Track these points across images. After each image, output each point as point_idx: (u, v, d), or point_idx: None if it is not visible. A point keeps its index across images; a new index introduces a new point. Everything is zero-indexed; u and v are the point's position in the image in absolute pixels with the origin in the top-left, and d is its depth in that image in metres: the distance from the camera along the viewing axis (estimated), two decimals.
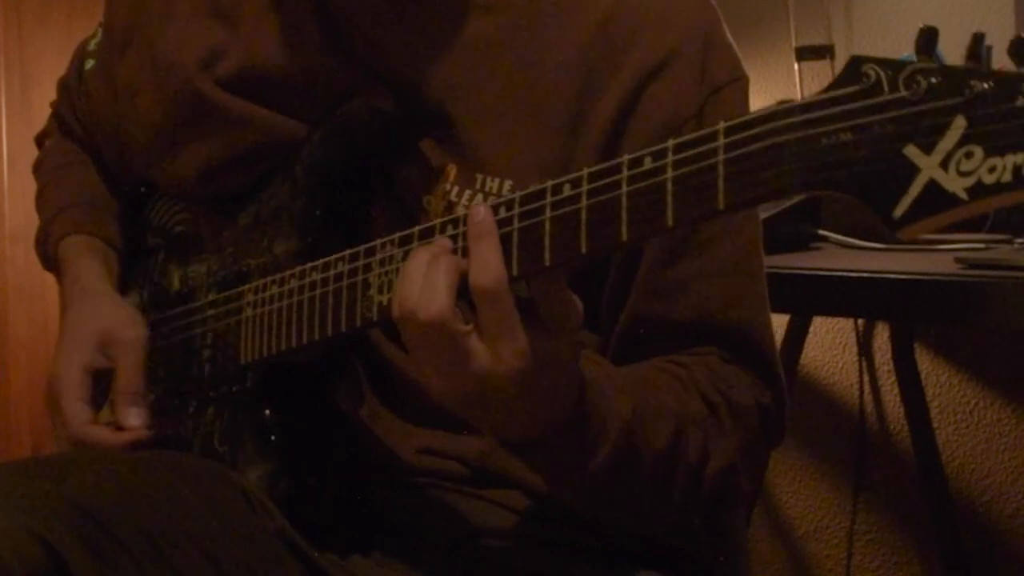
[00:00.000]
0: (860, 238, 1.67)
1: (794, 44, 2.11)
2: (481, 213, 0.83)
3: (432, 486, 1.06)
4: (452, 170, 1.02)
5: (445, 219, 0.87)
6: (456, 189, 1.02)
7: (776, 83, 2.21)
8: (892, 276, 1.38)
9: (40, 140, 1.40)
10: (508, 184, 1.01)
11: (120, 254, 1.25)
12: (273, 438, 1.04)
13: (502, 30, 1.04)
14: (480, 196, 1.01)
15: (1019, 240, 1.55)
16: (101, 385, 1.13)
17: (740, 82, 1.05)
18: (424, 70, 1.04)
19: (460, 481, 1.05)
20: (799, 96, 2.12)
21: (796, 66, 2.11)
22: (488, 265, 0.81)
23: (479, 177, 1.02)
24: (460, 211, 1.00)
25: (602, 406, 0.90)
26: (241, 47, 1.10)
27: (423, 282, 0.83)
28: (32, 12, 2.49)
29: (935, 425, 2.09)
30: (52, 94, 1.41)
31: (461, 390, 0.85)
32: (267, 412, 1.04)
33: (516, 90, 1.02)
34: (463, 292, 0.83)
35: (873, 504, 2.22)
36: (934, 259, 1.42)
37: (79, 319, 1.15)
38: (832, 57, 2.11)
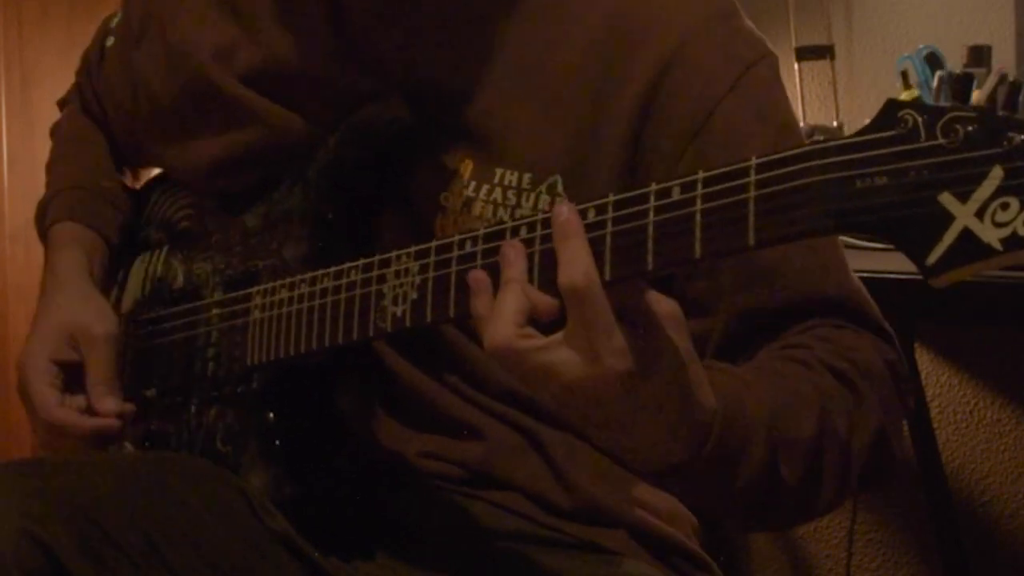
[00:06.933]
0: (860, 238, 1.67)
1: (794, 44, 2.11)
2: (564, 212, 0.79)
3: (434, 488, 1.06)
4: (468, 166, 1.02)
5: (491, 228, 0.84)
6: (474, 184, 1.01)
7: None
8: (892, 276, 1.38)
9: (62, 104, 1.41)
10: (528, 177, 1.00)
11: (112, 247, 1.25)
12: (277, 441, 1.03)
13: (516, 27, 1.03)
14: (499, 190, 1.01)
15: None
16: (66, 378, 1.15)
17: (769, 59, 1.03)
18: (439, 70, 1.04)
19: (461, 484, 1.05)
20: (799, 96, 2.12)
21: (796, 66, 2.11)
22: (576, 262, 0.77)
23: (498, 171, 1.01)
24: (478, 207, 1.00)
25: (739, 415, 0.85)
26: (256, 45, 1.11)
27: (492, 316, 0.79)
28: (32, 12, 2.48)
29: (935, 425, 2.09)
30: (52, 94, 1.42)
31: (564, 405, 0.80)
32: (271, 415, 1.04)
33: (533, 84, 1.02)
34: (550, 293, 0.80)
35: (873, 504, 2.21)
36: None
37: (49, 311, 1.17)
38: (832, 57, 2.11)
